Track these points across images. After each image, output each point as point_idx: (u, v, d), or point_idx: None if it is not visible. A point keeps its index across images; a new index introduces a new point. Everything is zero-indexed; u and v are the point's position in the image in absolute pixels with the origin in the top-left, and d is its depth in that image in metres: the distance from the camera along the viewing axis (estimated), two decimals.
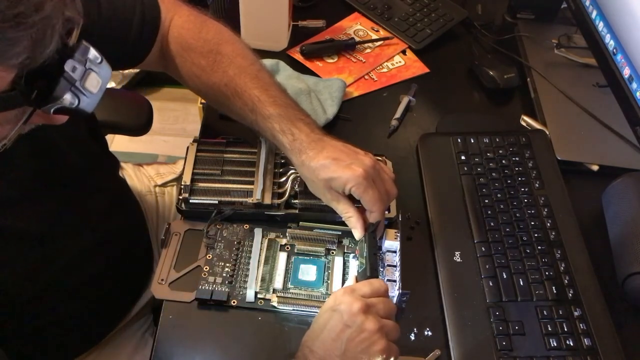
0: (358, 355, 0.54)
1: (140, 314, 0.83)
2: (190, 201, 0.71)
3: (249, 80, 0.68)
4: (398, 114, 0.87)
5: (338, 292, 0.59)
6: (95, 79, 0.44)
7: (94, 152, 0.76)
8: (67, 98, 0.43)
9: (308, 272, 0.68)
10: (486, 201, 0.75)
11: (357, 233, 0.66)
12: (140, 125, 1.01)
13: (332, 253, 0.70)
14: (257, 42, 0.95)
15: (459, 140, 0.81)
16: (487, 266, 0.69)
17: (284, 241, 0.71)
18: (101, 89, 0.45)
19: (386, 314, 0.58)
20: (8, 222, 0.59)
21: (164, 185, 0.97)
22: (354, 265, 0.69)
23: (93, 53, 0.44)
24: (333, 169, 0.63)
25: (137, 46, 0.70)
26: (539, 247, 0.70)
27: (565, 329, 0.64)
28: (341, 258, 0.70)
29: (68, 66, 0.42)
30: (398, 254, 0.68)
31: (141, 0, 0.69)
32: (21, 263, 0.61)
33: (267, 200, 0.71)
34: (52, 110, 0.43)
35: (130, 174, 0.95)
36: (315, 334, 0.57)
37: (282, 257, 0.69)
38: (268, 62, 0.87)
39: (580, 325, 0.64)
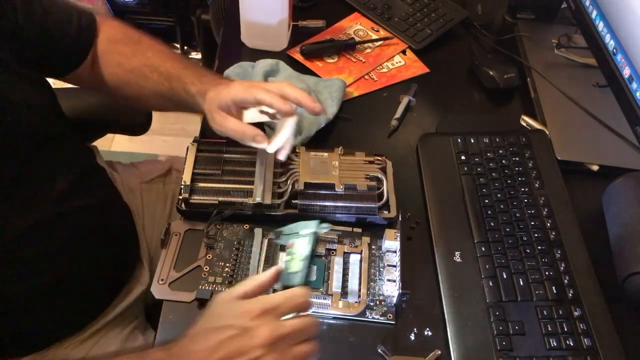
0: None
1: (129, 311, 0.82)
2: (190, 201, 0.71)
3: (166, 58, 0.76)
4: (398, 114, 0.87)
5: (253, 306, 0.51)
6: None
7: (57, 124, 0.75)
8: None
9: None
10: (486, 201, 0.75)
11: (268, 147, 0.68)
12: (138, 124, 1.01)
13: (332, 253, 0.70)
14: (257, 42, 0.95)
15: (459, 140, 0.81)
16: (487, 266, 0.69)
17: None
18: None
19: (299, 338, 0.51)
20: None
21: (150, 181, 0.97)
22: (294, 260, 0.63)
23: None
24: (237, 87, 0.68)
25: (74, 51, 0.75)
26: (539, 247, 0.70)
27: (565, 329, 0.64)
28: (341, 258, 0.70)
29: None
30: (398, 254, 0.68)
31: (77, 9, 0.74)
32: None
33: (267, 200, 0.71)
34: None
35: (118, 171, 0.95)
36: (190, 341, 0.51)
37: (282, 257, 0.69)
38: (268, 61, 0.87)
39: (580, 325, 0.64)
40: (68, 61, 0.76)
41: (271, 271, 0.56)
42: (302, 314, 0.53)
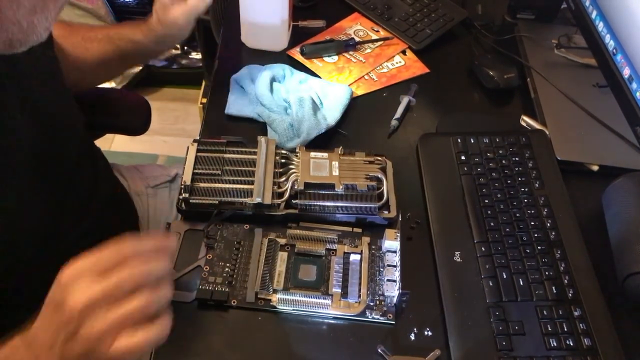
0: None
1: None
2: (190, 201, 0.71)
3: (97, 29, 0.86)
4: (398, 114, 0.87)
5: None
6: None
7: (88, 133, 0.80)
8: None
9: (308, 272, 0.68)
10: (486, 201, 0.75)
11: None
12: (138, 124, 1.01)
13: (332, 253, 0.70)
14: (257, 42, 0.95)
15: (459, 140, 0.81)
16: (487, 266, 0.69)
17: (284, 241, 0.71)
18: None
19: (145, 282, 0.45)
20: None
21: (156, 186, 0.98)
22: None
23: None
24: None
25: None
26: (539, 247, 0.70)
27: (565, 329, 0.64)
28: (341, 258, 0.70)
29: None
30: (398, 254, 0.68)
31: None
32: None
33: (267, 200, 0.71)
34: None
35: (125, 175, 0.95)
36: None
37: (282, 257, 0.69)
38: (276, 66, 0.88)
39: (580, 325, 0.64)
40: None
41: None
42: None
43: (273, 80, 0.86)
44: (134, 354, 0.43)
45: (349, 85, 0.90)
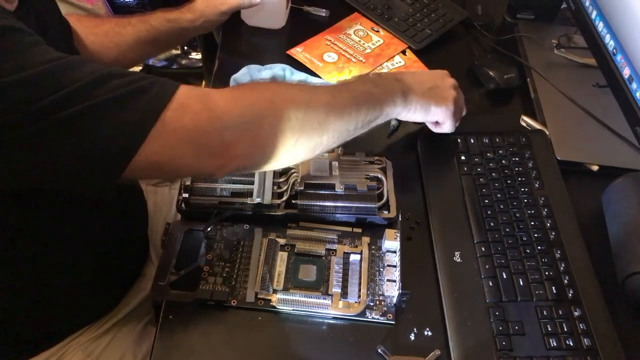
0: (441, 94, 0.73)
1: (139, 308, 0.83)
2: (190, 201, 0.71)
3: (129, 16, 0.89)
4: None
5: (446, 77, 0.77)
6: None
7: None
8: None
9: (308, 272, 0.68)
10: (486, 201, 0.75)
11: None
12: None
13: (332, 253, 0.70)
14: (256, 20, 0.97)
15: (459, 140, 0.81)
16: (487, 266, 0.69)
17: (283, 241, 0.71)
18: None
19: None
20: None
21: (156, 185, 0.98)
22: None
23: None
24: None
25: None
26: (539, 247, 0.70)
27: (565, 329, 0.64)
28: (341, 258, 0.70)
29: None
30: (398, 254, 0.68)
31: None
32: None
33: (267, 200, 0.71)
34: None
35: None
36: (406, 74, 0.73)
37: (282, 257, 0.69)
38: (276, 67, 0.88)
39: (580, 325, 0.64)
40: None
41: None
42: None
43: (274, 80, 0.86)
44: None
45: None
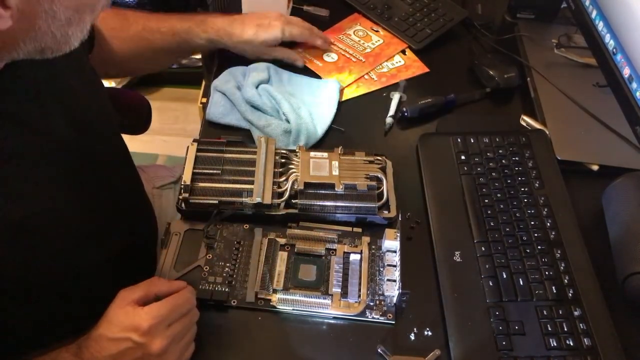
0: None
1: None
2: (190, 201, 0.71)
3: (158, 19, 0.85)
4: (391, 112, 0.87)
5: (142, 321, 0.55)
6: None
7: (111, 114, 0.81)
8: None
9: (308, 271, 0.68)
10: (486, 201, 0.75)
11: (299, 62, 0.90)
12: (138, 124, 1.01)
13: (332, 253, 0.70)
14: None
15: (459, 140, 0.81)
16: (487, 266, 0.69)
17: (283, 241, 0.71)
18: None
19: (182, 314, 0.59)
20: None
21: (161, 187, 0.98)
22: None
23: None
24: (262, 34, 0.85)
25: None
26: (539, 247, 0.70)
27: (565, 329, 0.64)
28: (341, 258, 0.70)
29: None
30: (398, 254, 0.68)
31: None
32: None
33: (267, 200, 0.71)
34: None
35: None
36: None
37: (282, 256, 0.69)
38: (259, 67, 0.86)
39: (580, 325, 0.64)
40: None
41: (179, 285, 0.60)
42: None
43: (260, 82, 0.85)
44: None
45: (349, 85, 0.90)
